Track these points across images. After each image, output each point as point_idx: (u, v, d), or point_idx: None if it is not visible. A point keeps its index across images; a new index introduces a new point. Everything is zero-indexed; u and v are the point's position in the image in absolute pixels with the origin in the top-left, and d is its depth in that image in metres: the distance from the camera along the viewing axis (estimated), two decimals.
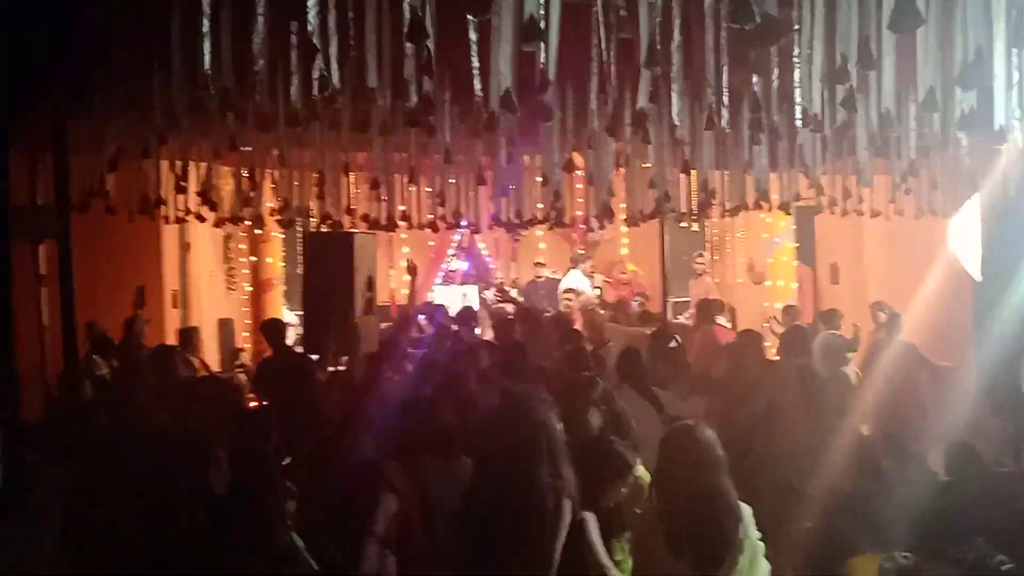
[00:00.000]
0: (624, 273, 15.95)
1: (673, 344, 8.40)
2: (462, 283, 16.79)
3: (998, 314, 8.51)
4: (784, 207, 10.36)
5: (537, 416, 4.67)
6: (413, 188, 10.54)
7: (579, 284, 14.31)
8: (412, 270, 10.49)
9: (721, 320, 11.34)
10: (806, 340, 8.90)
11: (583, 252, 15.91)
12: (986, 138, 6.10)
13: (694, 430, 4.67)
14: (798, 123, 5.97)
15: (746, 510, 4.56)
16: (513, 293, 15.40)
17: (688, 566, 4.34)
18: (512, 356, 7.85)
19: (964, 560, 4.70)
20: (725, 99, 6.01)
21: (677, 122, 5.79)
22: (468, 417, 5.93)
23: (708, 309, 10.71)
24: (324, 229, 10.41)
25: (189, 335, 10.41)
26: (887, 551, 4.90)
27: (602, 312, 11.77)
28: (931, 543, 4.95)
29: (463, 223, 10.74)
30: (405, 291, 16.60)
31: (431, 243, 16.93)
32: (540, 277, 15.78)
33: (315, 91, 5.00)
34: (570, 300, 13.31)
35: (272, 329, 9.15)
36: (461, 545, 4.65)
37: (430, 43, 4.60)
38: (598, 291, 14.88)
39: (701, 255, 15.46)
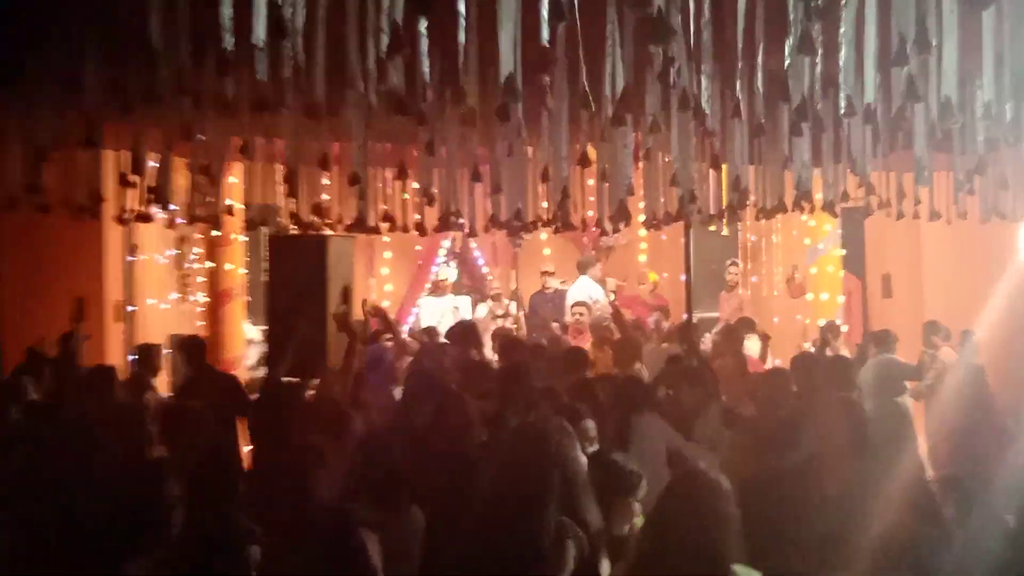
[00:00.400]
0: (643, 284, 15.96)
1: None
2: (453, 293, 16.82)
3: None
4: (829, 208, 10.36)
5: (551, 448, 4.66)
6: (398, 184, 10.56)
7: (590, 294, 14.33)
8: (378, 312, 10.64)
9: (751, 344, 11.38)
10: (850, 370, 8.94)
11: (593, 255, 15.95)
12: None
13: (702, 477, 4.67)
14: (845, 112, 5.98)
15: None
16: (512, 307, 15.42)
17: None
18: (509, 380, 7.86)
19: None
20: (761, 84, 6.04)
21: (706, 110, 5.82)
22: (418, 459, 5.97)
23: (733, 334, 10.71)
24: (293, 231, 10.42)
25: (149, 353, 10.45)
26: None
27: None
28: None
29: (456, 225, 10.74)
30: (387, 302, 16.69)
31: (418, 248, 16.96)
32: (548, 288, 15.82)
33: (286, 71, 5.02)
34: (582, 315, 13.34)
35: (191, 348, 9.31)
36: None
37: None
38: (612, 297, 14.91)
39: (735, 263, 15.49)
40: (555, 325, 13.89)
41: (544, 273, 16.21)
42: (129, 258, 12.86)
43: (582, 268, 15.36)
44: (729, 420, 8.23)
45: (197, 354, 9.74)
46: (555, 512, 4.57)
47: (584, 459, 4.90)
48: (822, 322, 13.92)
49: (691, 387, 8.60)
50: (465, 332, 10.75)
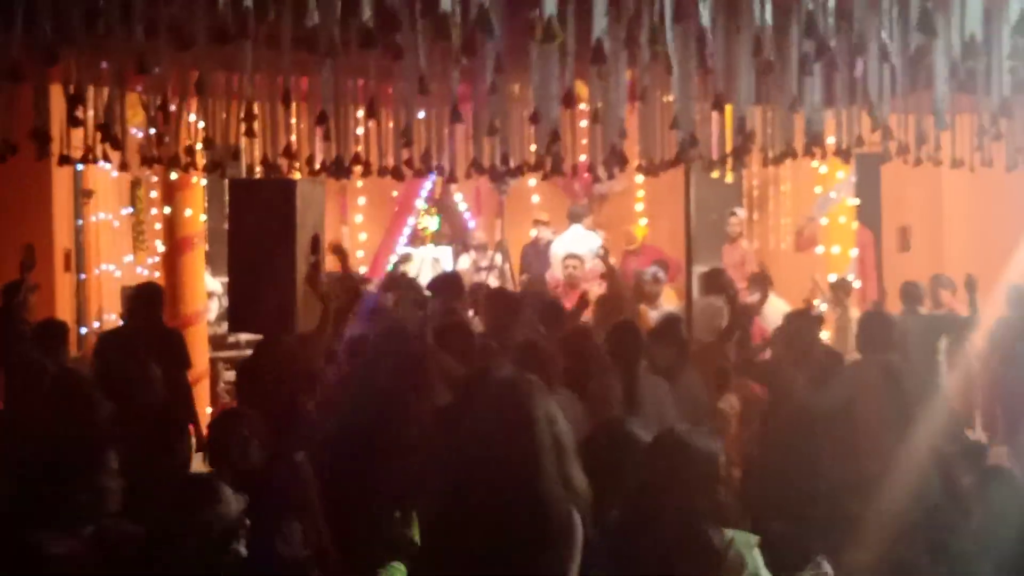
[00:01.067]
0: (632, 245, 15.76)
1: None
2: (434, 243, 16.82)
3: None
4: (842, 154, 10.35)
5: (535, 408, 4.57)
6: (372, 124, 10.50)
7: (583, 246, 14.31)
8: (338, 250, 10.57)
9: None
10: (890, 327, 9.00)
11: (585, 203, 15.92)
12: None
13: (688, 438, 4.70)
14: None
15: (743, 542, 4.55)
16: (497, 258, 15.40)
17: None
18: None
19: None
20: (769, 16, 6.00)
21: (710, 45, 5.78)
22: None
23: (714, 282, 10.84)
24: (258, 175, 10.37)
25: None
26: None
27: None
28: None
29: (434, 170, 10.69)
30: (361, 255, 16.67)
31: (395, 193, 16.91)
32: (542, 239, 15.81)
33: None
34: (575, 267, 13.34)
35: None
36: None
37: None
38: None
39: (735, 213, 15.46)
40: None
41: (538, 222, 16.18)
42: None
43: (574, 217, 15.33)
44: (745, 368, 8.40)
45: (143, 304, 9.85)
46: (554, 477, 4.49)
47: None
48: (833, 277, 13.95)
49: (667, 346, 8.69)
50: (449, 284, 10.75)
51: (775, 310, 11.52)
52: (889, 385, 8.48)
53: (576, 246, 14.35)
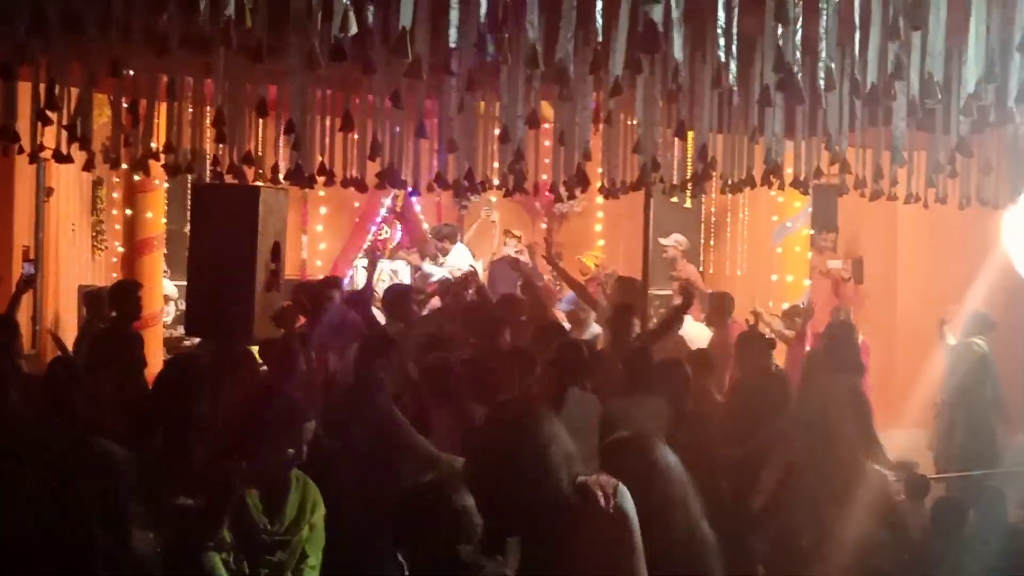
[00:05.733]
0: (585, 275, 15.63)
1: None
2: (391, 257, 16.84)
3: None
4: (800, 185, 10.49)
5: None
6: (338, 136, 10.56)
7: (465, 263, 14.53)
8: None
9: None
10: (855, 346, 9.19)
11: (518, 233, 16.03)
12: None
13: (642, 441, 4.74)
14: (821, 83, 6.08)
15: None
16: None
17: None
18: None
19: None
20: (734, 48, 6.11)
21: (682, 71, 5.87)
22: None
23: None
24: (222, 180, 10.40)
25: (97, 299, 10.65)
26: None
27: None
28: None
29: (399, 184, 10.76)
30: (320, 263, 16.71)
31: (356, 204, 16.98)
32: (512, 254, 15.89)
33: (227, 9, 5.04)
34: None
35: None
36: None
37: None
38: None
39: (668, 239, 15.23)
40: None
41: (507, 233, 16.21)
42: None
43: (451, 238, 15.55)
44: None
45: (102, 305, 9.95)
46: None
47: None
48: (786, 306, 14.10)
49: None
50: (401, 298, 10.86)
51: (697, 334, 11.68)
52: (856, 405, 8.63)
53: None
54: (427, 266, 15.14)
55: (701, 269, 15.92)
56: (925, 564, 6.77)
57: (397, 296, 10.82)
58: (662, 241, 14.82)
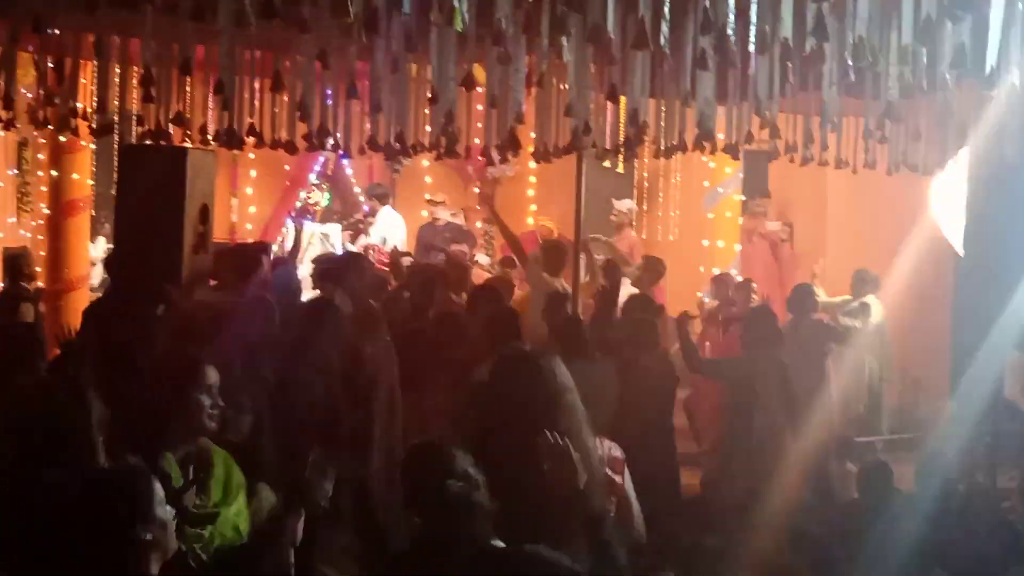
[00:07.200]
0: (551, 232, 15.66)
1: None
2: (322, 220, 16.74)
3: (982, 297, 8.84)
4: (731, 150, 10.51)
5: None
6: (267, 97, 10.47)
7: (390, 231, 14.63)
8: None
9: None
10: (775, 324, 9.33)
11: (441, 197, 16.09)
12: (978, 81, 6.29)
13: (536, 354, 4.78)
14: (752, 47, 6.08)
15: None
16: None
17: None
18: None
19: None
20: (666, 11, 6.10)
21: (612, 35, 5.85)
22: None
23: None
24: (149, 141, 10.28)
25: (17, 261, 10.47)
26: None
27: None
28: None
29: (328, 144, 10.68)
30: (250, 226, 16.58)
31: (287, 167, 16.83)
32: (438, 219, 15.85)
33: None
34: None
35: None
36: None
37: None
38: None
39: (622, 202, 15.39)
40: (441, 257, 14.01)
41: (431, 202, 16.17)
42: None
43: (382, 198, 15.58)
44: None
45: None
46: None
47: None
48: (716, 271, 14.18)
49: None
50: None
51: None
52: (779, 382, 8.74)
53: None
54: (363, 239, 15.18)
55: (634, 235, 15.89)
56: (853, 526, 6.83)
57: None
58: (616, 204, 14.94)
